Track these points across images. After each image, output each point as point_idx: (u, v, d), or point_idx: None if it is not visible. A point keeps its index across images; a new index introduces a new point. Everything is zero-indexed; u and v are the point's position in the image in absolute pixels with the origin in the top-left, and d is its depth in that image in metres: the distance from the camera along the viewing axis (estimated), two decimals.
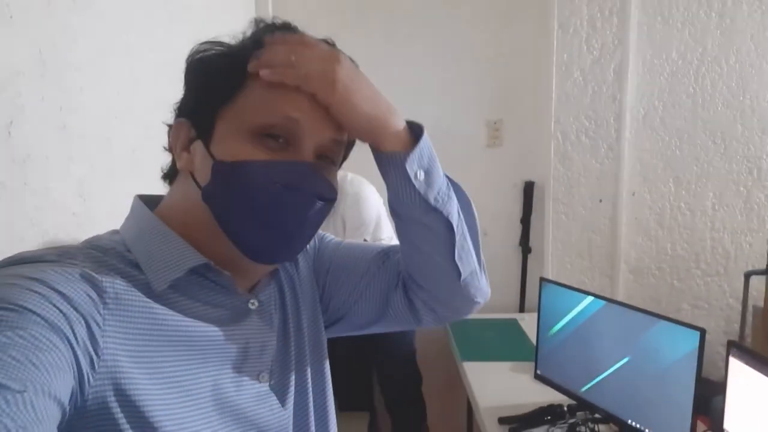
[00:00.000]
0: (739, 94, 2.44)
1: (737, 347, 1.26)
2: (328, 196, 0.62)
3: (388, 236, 2.14)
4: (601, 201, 2.47)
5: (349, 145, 0.68)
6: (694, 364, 1.27)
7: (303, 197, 0.59)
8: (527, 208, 2.55)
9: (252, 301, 0.64)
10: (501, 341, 2.19)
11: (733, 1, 2.38)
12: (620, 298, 2.47)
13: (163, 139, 0.65)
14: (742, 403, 1.26)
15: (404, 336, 2.24)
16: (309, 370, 0.70)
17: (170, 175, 0.66)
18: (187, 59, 0.62)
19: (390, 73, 2.44)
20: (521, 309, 2.57)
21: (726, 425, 1.28)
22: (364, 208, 2.04)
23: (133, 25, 1.15)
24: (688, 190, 2.49)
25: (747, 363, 1.22)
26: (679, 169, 2.48)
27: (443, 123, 2.50)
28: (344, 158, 0.69)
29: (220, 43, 0.61)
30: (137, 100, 1.10)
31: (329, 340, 0.74)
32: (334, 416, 0.74)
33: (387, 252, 0.79)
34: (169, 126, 0.64)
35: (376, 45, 2.42)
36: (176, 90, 0.62)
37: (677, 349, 1.32)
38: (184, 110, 0.63)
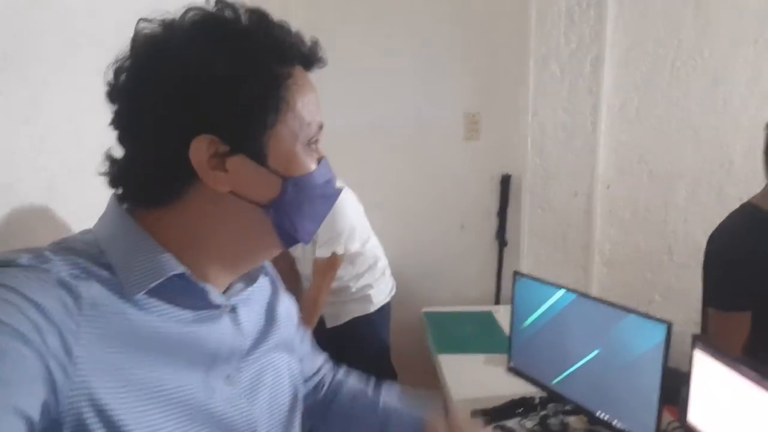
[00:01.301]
0: (713, 88, 2.46)
1: (702, 340, 1.28)
2: None
3: (358, 247, 2.13)
4: (576, 194, 2.49)
5: None
6: (661, 356, 1.29)
7: (334, 189, 0.67)
8: (504, 201, 2.55)
9: (225, 305, 0.63)
10: (476, 334, 2.20)
11: None
12: (594, 290, 2.50)
13: None
14: (706, 395, 1.28)
15: (376, 333, 2.24)
16: (280, 379, 0.71)
17: (165, 194, 0.59)
18: (188, 70, 0.55)
19: (369, 66, 2.43)
20: (497, 301, 2.58)
21: (690, 417, 1.30)
22: (339, 219, 2.00)
23: (103, 18, 1.12)
24: (662, 183, 2.51)
25: (711, 356, 1.24)
26: (654, 162, 2.50)
27: (421, 115, 2.50)
28: None
29: (221, 52, 0.55)
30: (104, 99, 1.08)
31: None
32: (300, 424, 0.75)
33: (319, 379, 0.89)
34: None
35: (355, 37, 2.39)
36: None
37: (645, 341, 1.33)
38: (207, 126, 0.55)
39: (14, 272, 0.50)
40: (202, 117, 0.55)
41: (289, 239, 0.64)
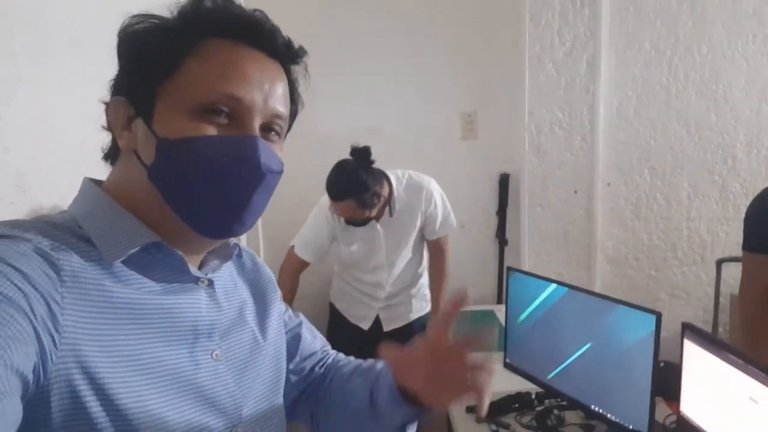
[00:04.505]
0: (712, 84, 2.45)
1: (691, 329, 1.27)
2: (276, 169, 0.63)
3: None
4: (576, 192, 2.48)
5: (293, 116, 0.69)
6: (652, 346, 1.28)
7: (251, 171, 0.59)
8: (503, 200, 2.55)
9: (201, 279, 0.64)
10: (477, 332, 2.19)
11: None
12: (597, 288, 2.48)
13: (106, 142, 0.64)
14: (697, 384, 1.27)
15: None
16: (267, 365, 0.71)
17: (112, 155, 0.65)
18: (119, 33, 0.60)
19: (365, 67, 2.46)
20: (499, 300, 2.58)
21: (683, 407, 1.30)
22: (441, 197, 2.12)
23: (78, 14, 1.13)
24: (664, 180, 2.50)
25: (700, 345, 1.23)
26: (654, 159, 2.49)
27: (418, 117, 2.51)
28: (288, 129, 0.69)
29: (153, 16, 0.60)
30: (84, 92, 1.08)
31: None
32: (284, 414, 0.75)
33: (317, 360, 0.87)
34: (106, 104, 0.62)
35: (350, 38, 2.41)
36: None
37: (635, 332, 1.33)
38: (120, 87, 0.61)
39: None
40: (118, 80, 0.62)
41: (187, 217, 0.60)
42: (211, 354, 0.63)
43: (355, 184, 1.81)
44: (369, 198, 1.84)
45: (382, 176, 1.94)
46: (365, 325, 2.18)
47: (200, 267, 0.67)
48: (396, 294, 2.16)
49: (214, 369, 0.62)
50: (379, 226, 2.03)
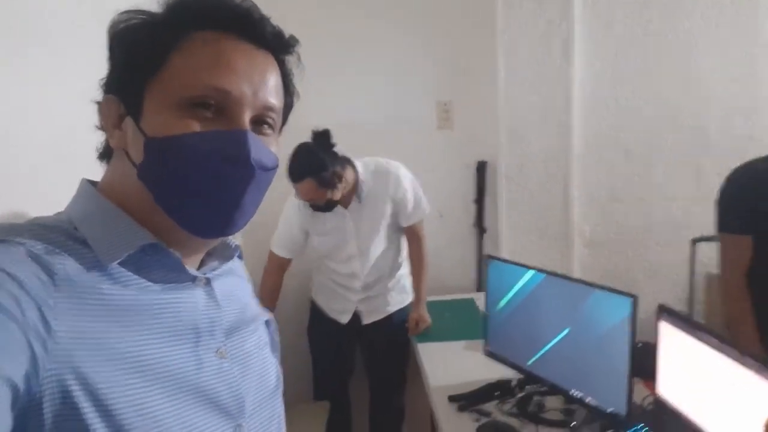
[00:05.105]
0: (684, 64, 2.46)
1: (666, 311, 1.27)
2: (269, 165, 0.61)
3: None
4: (553, 177, 2.48)
5: (288, 109, 0.68)
6: (628, 329, 1.29)
7: (242, 168, 0.57)
8: (480, 188, 2.55)
9: (199, 278, 0.64)
10: (457, 321, 2.20)
11: None
12: (576, 273, 2.49)
13: (90, 135, 0.63)
14: (673, 365, 1.28)
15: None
16: (266, 356, 0.72)
17: (105, 154, 0.65)
18: (109, 30, 0.60)
19: (337, 60, 2.42)
20: (479, 288, 2.58)
21: (659, 389, 1.30)
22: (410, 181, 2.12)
23: (55, 16, 1.11)
24: (639, 162, 2.51)
25: (675, 325, 1.24)
26: (629, 142, 2.50)
27: (394, 107, 2.49)
28: (284, 122, 0.67)
29: (142, 12, 0.60)
30: (57, 97, 1.08)
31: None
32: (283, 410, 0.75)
33: None
34: (98, 103, 0.62)
35: (324, 28, 2.38)
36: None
37: (612, 316, 1.33)
38: (111, 86, 0.61)
39: None
40: (109, 78, 0.61)
41: (178, 216, 0.59)
42: (216, 351, 0.62)
43: (313, 163, 1.82)
44: (329, 177, 1.84)
45: (346, 161, 1.95)
46: (344, 319, 2.17)
47: (199, 267, 0.66)
48: (372, 285, 2.15)
49: (218, 366, 0.61)
50: (348, 214, 2.03)
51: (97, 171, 0.65)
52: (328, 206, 1.95)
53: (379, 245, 2.11)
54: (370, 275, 2.13)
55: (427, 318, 2.13)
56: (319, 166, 1.82)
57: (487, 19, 2.42)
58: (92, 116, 0.63)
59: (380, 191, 2.04)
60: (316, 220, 2.05)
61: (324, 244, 2.10)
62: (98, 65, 0.62)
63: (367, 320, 2.17)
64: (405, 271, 2.24)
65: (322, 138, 1.87)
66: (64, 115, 1.07)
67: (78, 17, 1.18)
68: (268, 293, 2.14)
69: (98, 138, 0.64)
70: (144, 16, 0.60)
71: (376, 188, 2.04)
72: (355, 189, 2.01)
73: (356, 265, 2.11)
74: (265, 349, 0.73)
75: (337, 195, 1.92)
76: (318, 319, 2.24)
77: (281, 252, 2.15)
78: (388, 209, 2.08)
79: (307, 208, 2.01)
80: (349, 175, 1.95)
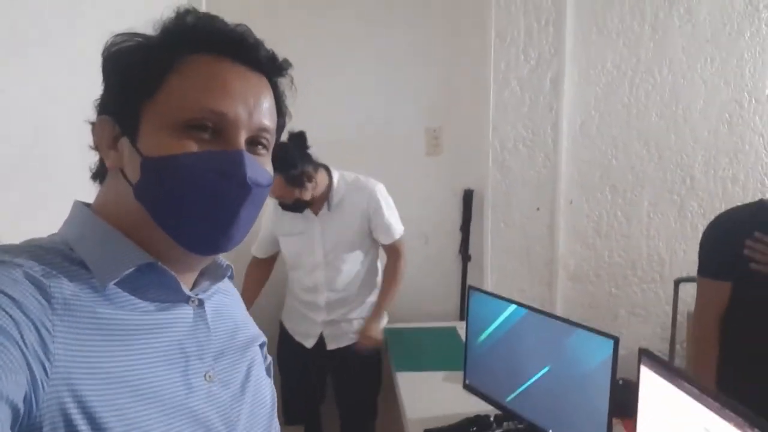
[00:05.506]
0: (672, 105, 2.50)
1: (647, 356, 1.26)
2: (263, 182, 0.62)
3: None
4: (538, 209, 2.49)
5: (280, 129, 0.69)
6: (609, 371, 1.27)
7: (237, 186, 0.59)
8: (467, 216, 2.54)
9: (192, 299, 0.64)
10: (437, 350, 2.16)
11: (664, 14, 2.44)
12: (558, 305, 2.48)
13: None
14: (652, 410, 1.26)
15: (378, 356, 2.17)
16: (260, 379, 0.72)
17: (99, 174, 0.66)
18: (103, 53, 0.61)
19: (329, 82, 2.42)
20: (461, 317, 2.55)
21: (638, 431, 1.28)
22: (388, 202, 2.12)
23: (35, 25, 1.10)
24: (624, 198, 2.53)
25: (655, 371, 1.22)
26: (615, 178, 2.52)
27: (383, 131, 2.49)
28: (277, 140, 0.69)
29: (137, 35, 0.61)
30: (57, 97, 1.08)
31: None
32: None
33: None
34: (92, 123, 0.63)
35: (314, 52, 2.38)
36: (85, 92, 0.60)
37: (593, 357, 1.32)
38: (105, 106, 0.62)
39: None
40: (103, 99, 0.62)
41: (175, 234, 0.59)
42: (204, 375, 0.62)
43: (283, 159, 1.83)
44: (297, 175, 1.87)
45: (321, 165, 1.99)
46: (309, 344, 2.15)
47: (192, 287, 0.67)
48: (336, 307, 2.12)
49: (207, 391, 0.62)
50: (317, 219, 2.05)
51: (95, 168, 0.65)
52: (296, 206, 1.98)
53: (347, 261, 2.10)
54: (334, 292, 2.10)
55: (377, 335, 2.11)
56: (289, 163, 1.85)
57: (480, 50, 2.44)
58: (92, 116, 0.64)
59: (353, 204, 2.05)
60: (284, 220, 2.08)
61: (290, 246, 2.12)
62: (98, 65, 0.62)
63: (330, 345, 2.14)
64: (374, 299, 2.21)
65: (298, 139, 1.90)
66: (64, 114, 1.06)
67: (78, 17, 1.18)
68: (244, 293, 2.14)
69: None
70: (140, 39, 0.60)
71: (350, 200, 2.05)
72: (326, 195, 2.03)
73: (320, 276, 2.09)
74: (260, 371, 0.73)
75: (307, 195, 1.94)
76: (286, 342, 2.22)
77: (254, 251, 2.22)
78: (358, 223, 2.07)
79: (276, 205, 2.05)
80: (321, 178, 1.99)
